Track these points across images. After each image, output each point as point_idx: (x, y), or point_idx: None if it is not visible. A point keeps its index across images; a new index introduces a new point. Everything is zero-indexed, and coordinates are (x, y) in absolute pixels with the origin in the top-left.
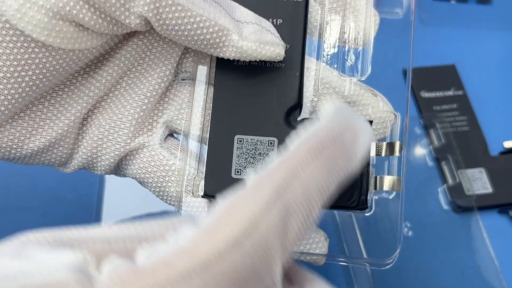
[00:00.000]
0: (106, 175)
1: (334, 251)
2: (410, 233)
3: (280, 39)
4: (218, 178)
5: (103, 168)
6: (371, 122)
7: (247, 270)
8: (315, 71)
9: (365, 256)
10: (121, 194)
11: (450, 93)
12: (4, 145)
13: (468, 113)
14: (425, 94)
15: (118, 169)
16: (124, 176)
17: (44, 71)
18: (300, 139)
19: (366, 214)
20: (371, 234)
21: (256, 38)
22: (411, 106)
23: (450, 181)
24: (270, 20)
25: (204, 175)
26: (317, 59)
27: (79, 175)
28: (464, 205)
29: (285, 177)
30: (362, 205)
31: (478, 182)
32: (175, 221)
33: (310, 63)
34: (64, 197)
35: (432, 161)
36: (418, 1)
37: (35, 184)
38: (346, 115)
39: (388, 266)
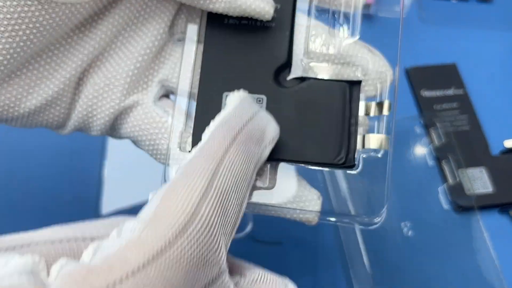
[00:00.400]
0: (105, 175)
1: (323, 211)
2: (410, 232)
3: None
4: None
5: (98, 128)
6: (359, 82)
7: (196, 256)
8: (306, 28)
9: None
10: (120, 194)
11: (450, 92)
12: (1, 104)
13: (469, 112)
14: (425, 93)
15: (113, 128)
16: (119, 137)
17: (37, 25)
18: (211, 128)
19: (354, 172)
20: (360, 193)
21: None
22: (411, 106)
23: (450, 180)
24: None
25: (192, 130)
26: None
27: (78, 175)
28: (465, 204)
29: (211, 165)
30: (349, 163)
31: (478, 182)
32: (119, 219)
33: (301, 19)
34: (63, 197)
35: (433, 160)
36: (419, 0)
37: (34, 184)
38: (250, 106)
39: (375, 226)
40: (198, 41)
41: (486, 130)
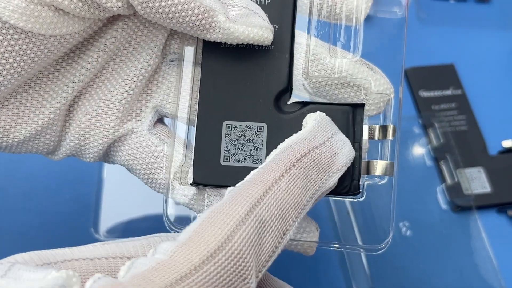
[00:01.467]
0: (104, 175)
1: (329, 238)
2: (408, 232)
3: (269, 22)
4: (207, 166)
5: (91, 156)
6: (363, 105)
7: (222, 282)
8: (306, 47)
9: (359, 242)
10: (119, 194)
11: (448, 92)
12: None
13: (467, 113)
14: (423, 94)
15: (107, 156)
16: (113, 163)
17: (25, 58)
18: (276, 151)
19: (359, 200)
20: (366, 220)
21: (243, 21)
22: (410, 106)
23: (448, 180)
24: None
25: (192, 162)
26: (308, 33)
27: (78, 175)
28: (463, 204)
29: (258, 190)
30: (355, 190)
31: (476, 182)
32: (156, 238)
33: (301, 38)
34: (62, 198)
35: (431, 160)
36: (417, 0)
37: (33, 185)
38: (326, 129)
39: (380, 251)
40: (194, 64)
41: (484, 130)
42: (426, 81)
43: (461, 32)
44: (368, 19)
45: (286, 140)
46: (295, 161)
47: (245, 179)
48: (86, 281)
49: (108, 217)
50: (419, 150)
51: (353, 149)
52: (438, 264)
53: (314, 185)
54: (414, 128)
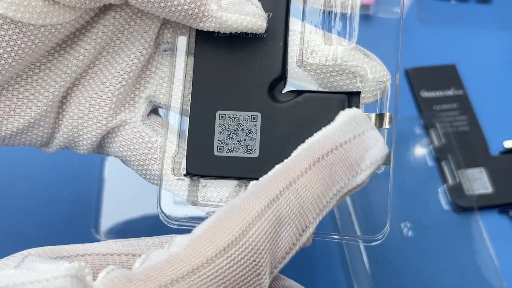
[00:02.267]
0: (105, 176)
1: (328, 229)
2: (410, 233)
3: (262, 9)
4: (200, 156)
5: (85, 148)
6: (359, 93)
7: (235, 277)
8: (300, 35)
9: (358, 231)
10: (120, 194)
11: (450, 92)
12: None
13: (468, 113)
14: (425, 94)
15: (101, 147)
16: (107, 154)
17: (15, 48)
18: (304, 145)
19: None
20: (364, 211)
21: (236, 9)
22: (411, 106)
23: (450, 181)
24: None
25: (186, 153)
26: (302, 20)
27: (79, 175)
28: (464, 205)
29: (278, 186)
30: None
31: (478, 182)
32: (168, 237)
33: (295, 25)
34: (63, 197)
35: (432, 161)
36: (418, 0)
37: (34, 185)
38: (358, 124)
39: (377, 242)
40: (187, 53)
41: (485, 131)
42: (428, 81)
43: (463, 33)
44: (368, 18)
45: (314, 134)
46: (320, 156)
47: (268, 173)
48: (99, 274)
49: (109, 217)
50: (420, 151)
51: (386, 146)
52: (440, 265)
53: (339, 181)
54: (415, 129)
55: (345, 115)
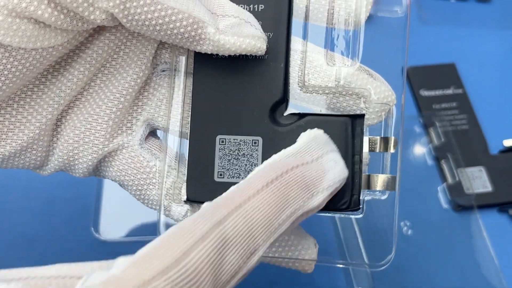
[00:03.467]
0: None
1: (334, 253)
2: (409, 232)
3: (262, 31)
4: (200, 182)
5: (81, 171)
6: (363, 115)
7: None
8: (301, 54)
9: (365, 257)
10: (119, 194)
11: (449, 91)
12: None
13: (468, 112)
14: (424, 93)
15: (97, 171)
16: (104, 177)
17: (5, 72)
18: (260, 166)
19: (358, 216)
20: (369, 235)
21: (234, 31)
22: (411, 105)
23: (449, 179)
24: (251, 6)
25: (185, 178)
26: (304, 39)
27: None
28: (464, 204)
29: (227, 207)
30: (355, 206)
31: (477, 181)
32: (114, 261)
33: (297, 44)
34: (63, 197)
35: (432, 159)
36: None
37: (34, 185)
38: (318, 146)
39: (382, 268)
40: (186, 74)
41: (485, 130)
42: (427, 80)
43: (462, 32)
44: (369, 18)
45: (273, 155)
46: (274, 177)
47: (222, 195)
48: None
49: (109, 216)
50: (420, 150)
51: (346, 168)
52: (439, 264)
53: (293, 204)
54: (415, 128)
55: (305, 137)
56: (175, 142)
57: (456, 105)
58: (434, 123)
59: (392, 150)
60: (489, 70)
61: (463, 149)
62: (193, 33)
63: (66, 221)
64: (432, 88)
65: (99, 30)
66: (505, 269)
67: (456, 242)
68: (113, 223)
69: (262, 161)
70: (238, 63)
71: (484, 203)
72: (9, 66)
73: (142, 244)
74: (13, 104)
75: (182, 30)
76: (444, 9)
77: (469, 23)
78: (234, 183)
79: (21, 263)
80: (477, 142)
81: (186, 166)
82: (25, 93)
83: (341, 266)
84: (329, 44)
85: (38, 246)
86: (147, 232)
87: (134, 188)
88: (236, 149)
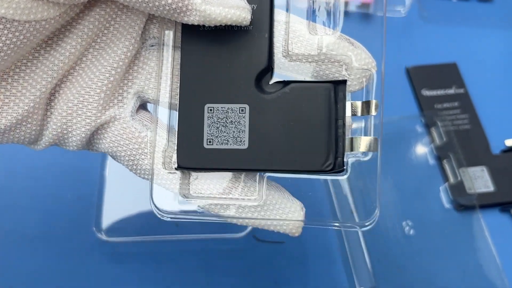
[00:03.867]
0: (106, 174)
1: (327, 216)
2: (411, 231)
3: (246, 1)
4: (190, 149)
5: (74, 144)
6: (345, 81)
7: None
8: (285, 25)
9: (356, 219)
10: (121, 193)
11: (451, 91)
12: None
13: (470, 111)
14: (426, 93)
15: (90, 144)
16: (97, 151)
17: (0, 45)
18: None
19: (343, 177)
20: (359, 197)
21: (220, 2)
22: (413, 105)
23: (451, 179)
24: None
25: (176, 147)
26: (287, 11)
27: (80, 174)
28: (466, 203)
29: None
30: (339, 168)
31: (479, 181)
32: None
33: (280, 16)
34: (64, 196)
35: (434, 159)
36: None
37: (35, 183)
38: None
39: (366, 228)
40: (174, 47)
41: (487, 129)
42: (429, 80)
43: (464, 31)
44: (369, 17)
45: None
46: None
47: None
48: None
49: (111, 216)
50: (421, 149)
51: None
52: (441, 263)
53: None
54: (416, 127)
55: None
56: (165, 114)
57: (458, 105)
58: (436, 123)
59: (373, 113)
60: (491, 70)
61: (465, 148)
62: (180, 4)
63: (68, 221)
64: (434, 88)
65: (90, 5)
66: (507, 269)
67: (458, 242)
68: (115, 223)
69: (249, 127)
70: (224, 35)
71: (486, 203)
72: (3, 38)
73: (144, 244)
74: (7, 79)
75: (169, 1)
76: (446, 8)
77: (471, 22)
78: (223, 149)
79: (23, 263)
80: (479, 141)
81: (176, 135)
82: (19, 68)
83: (329, 228)
84: (311, 15)
85: (40, 246)
86: (149, 232)
87: (127, 158)
88: (224, 117)
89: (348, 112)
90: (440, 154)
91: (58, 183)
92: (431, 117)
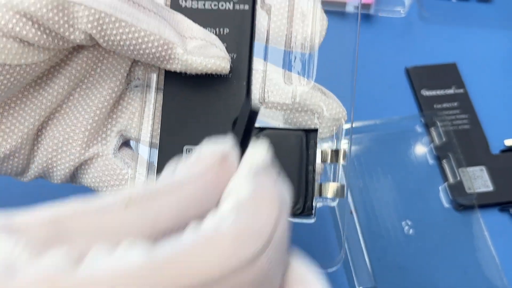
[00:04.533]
0: None
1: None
2: (411, 231)
3: (226, 52)
4: None
5: (59, 178)
6: (316, 130)
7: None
8: (262, 73)
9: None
10: None
11: (451, 91)
12: None
13: (469, 111)
14: (426, 93)
15: (74, 178)
16: (80, 184)
17: None
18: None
19: (311, 221)
20: (318, 242)
21: (201, 52)
22: (412, 105)
23: (451, 179)
24: (217, 29)
25: None
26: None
27: None
28: (465, 203)
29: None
30: (308, 211)
31: (479, 180)
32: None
33: (258, 64)
34: (65, 196)
35: (433, 159)
36: None
37: (35, 183)
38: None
39: (333, 268)
40: (157, 89)
41: (486, 129)
42: (428, 80)
43: (464, 31)
44: (369, 18)
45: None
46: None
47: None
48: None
49: None
50: (421, 149)
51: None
52: (441, 263)
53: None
54: (416, 127)
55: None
56: (146, 152)
57: (458, 105)
58: (435, 123)
59: (342, 161)
60: (490, 70)
61: (465, 148)
62: (163, 53)
63: None
64: (433, 88)
65: (78, 48)
66: (506, 268)
67: (457, 242)
68: None
69: None
70: (205, 81)
71: (485, 203)
72: None
73: None
74: None
75: (153, 50)
76: (446, 8)
77: (471, 22)
78: None
79: None
80: (479, 141)
81: (155, 174)
82: (8, 105)
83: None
84: (287, 65)
85: None
86: None
87: (108, 193)
88: None
89: (318, 159)
90: (440, 154)
91: (59, 185)
92: (430, 117)
